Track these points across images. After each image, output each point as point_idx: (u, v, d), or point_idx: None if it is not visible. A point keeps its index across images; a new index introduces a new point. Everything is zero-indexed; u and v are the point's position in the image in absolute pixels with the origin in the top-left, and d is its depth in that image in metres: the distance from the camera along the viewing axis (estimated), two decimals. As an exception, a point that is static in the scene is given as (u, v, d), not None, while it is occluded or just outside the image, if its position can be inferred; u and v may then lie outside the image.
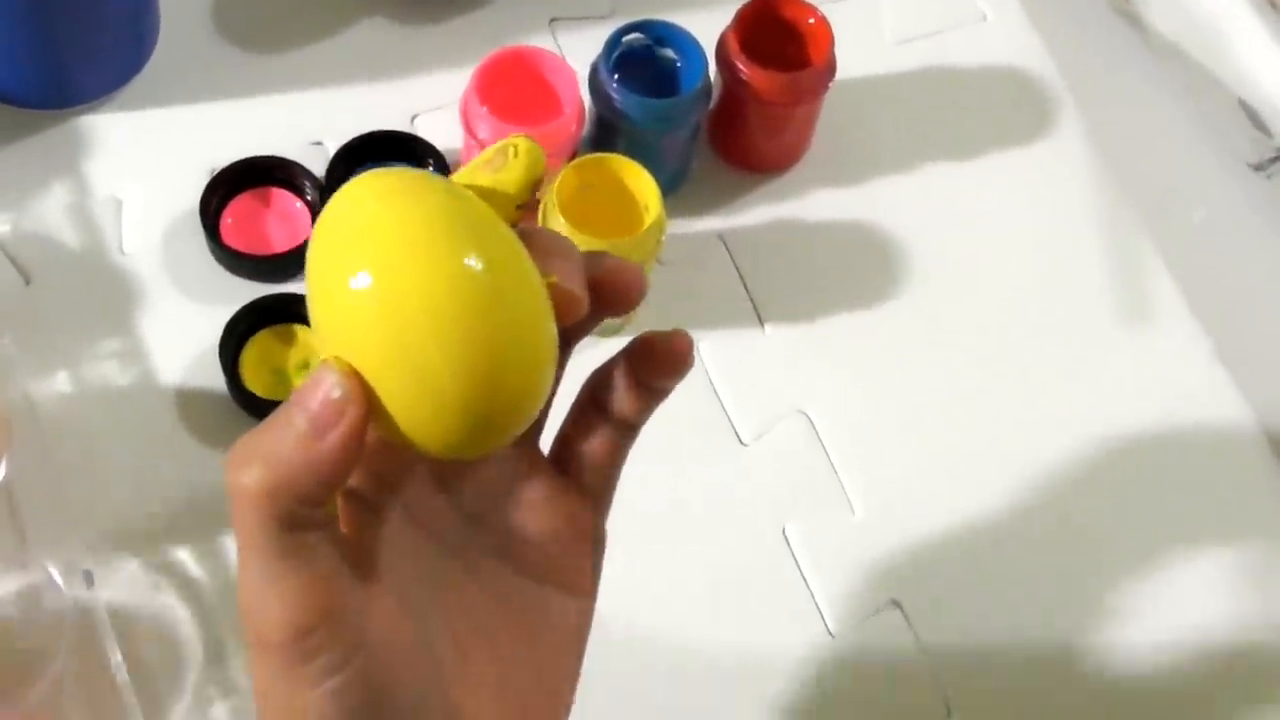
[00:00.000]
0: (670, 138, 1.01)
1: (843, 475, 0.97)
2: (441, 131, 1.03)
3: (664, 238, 0.95)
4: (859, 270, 1.04)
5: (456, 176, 0.57)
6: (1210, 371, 1.01)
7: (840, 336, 0.97)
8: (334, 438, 0.51)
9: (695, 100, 1.00)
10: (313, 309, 0.54)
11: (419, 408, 0.52)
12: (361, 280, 0.52)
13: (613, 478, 0.61)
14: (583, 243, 0.84)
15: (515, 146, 0.57)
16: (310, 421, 0.52)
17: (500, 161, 0.57)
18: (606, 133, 1.01)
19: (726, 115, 1.04)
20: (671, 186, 1.03)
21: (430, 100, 1.05)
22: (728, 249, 1.04)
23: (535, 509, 0.60)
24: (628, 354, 0.59)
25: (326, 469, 0.52)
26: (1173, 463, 0.99)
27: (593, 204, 0.93)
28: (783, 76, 1.00)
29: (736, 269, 1.02)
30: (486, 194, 0.56)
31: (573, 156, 0.98)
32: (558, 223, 0.91)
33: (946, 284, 1.04)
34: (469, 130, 0.98)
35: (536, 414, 0.54)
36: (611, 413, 0.60)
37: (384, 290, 0.51)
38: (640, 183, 0.94)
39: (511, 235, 0.53)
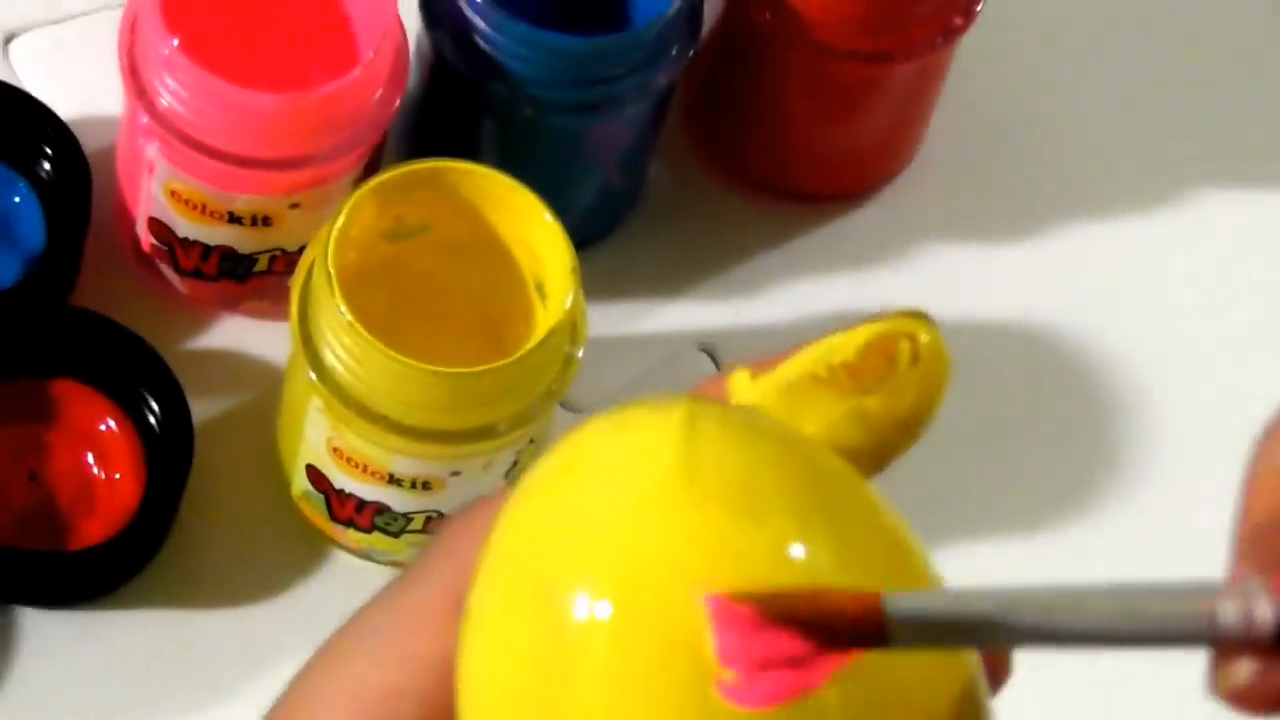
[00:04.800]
0: (604, 127, 0.74)
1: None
2: (68, 78, 0.77)
3: (580, 352, 0.71)
4: (1024, 408, 0.78)
5: (776, 384, 0.39)
6: None
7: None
8: None
9: (663, 42, 0.73)
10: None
11: None
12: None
13: None
14: (400, 374, 0.64)
15: (912, 341, 0.39)
16: None
17: (880, 368, 0.38)
18: (457, 109, 0.73)
19: (732, 79, 0.78)
20: (599, 230, 0.76)
21: (41, 9, 0.79)
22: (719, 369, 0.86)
23: None
24: None
25: None
26: None
27: (417, 276, 0.69)
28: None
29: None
30: (844, 434, 0.39)
31: (374, 165, 0.70)
32: (335, 318, 0.63)
33: (1172, 420, 0.76)
34: (135, 83, 0.69)
35: None
36: None
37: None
38: (528, 226, 0.67)
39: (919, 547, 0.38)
